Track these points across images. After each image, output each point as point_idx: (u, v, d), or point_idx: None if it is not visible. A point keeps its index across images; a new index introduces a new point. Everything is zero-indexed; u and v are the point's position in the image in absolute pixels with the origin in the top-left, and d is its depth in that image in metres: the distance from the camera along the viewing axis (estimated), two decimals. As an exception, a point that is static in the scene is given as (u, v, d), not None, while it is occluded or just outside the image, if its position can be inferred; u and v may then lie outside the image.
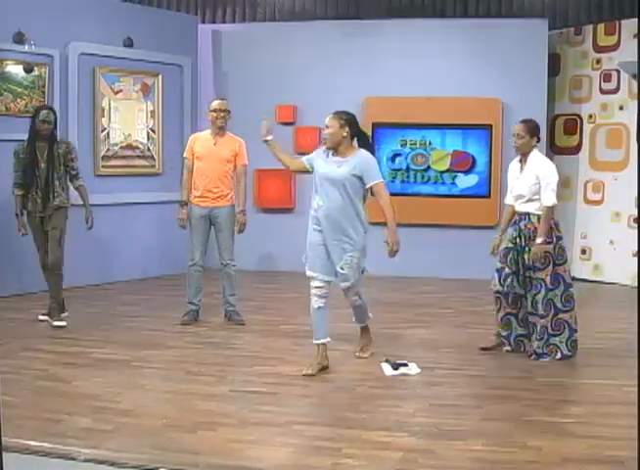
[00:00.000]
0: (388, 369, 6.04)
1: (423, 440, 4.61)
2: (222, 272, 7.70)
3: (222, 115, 7.65)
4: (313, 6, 11.52)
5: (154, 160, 10.13)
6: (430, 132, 10.35)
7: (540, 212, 6.33)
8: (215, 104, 7.72)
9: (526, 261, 6.41)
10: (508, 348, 6.67)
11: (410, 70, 10.33)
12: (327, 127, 5.99)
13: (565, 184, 10.59)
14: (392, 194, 10.39)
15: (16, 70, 8.71)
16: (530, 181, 6.36)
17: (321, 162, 6.01)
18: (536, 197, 6.36)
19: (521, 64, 10.18)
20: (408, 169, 10.47)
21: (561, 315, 6.42)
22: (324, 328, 6.05)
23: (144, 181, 10.01)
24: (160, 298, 8.96)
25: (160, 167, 10.15)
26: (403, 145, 10.46)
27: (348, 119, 6.00)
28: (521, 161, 6.60)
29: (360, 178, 5.88)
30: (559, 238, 6.44)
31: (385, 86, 10.36)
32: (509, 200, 6.77)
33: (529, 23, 10.28)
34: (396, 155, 10.49)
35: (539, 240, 6.28)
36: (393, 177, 10.50)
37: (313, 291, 5.96)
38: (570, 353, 6.45)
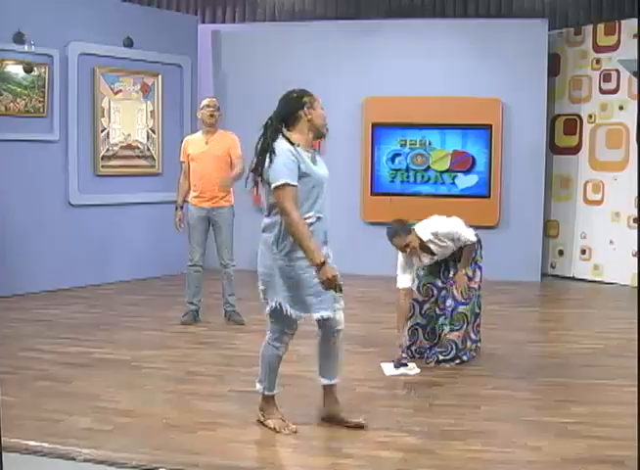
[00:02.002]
0: (388, 369, 6.04)
1: (422, 440, 4.61)
2: (222, 273, 7.69)
3: (212, 111, 7.60)
4: (313, 6, 11.52)
5: (153, 160, 10.12)
6: (429, 132, 10.34)
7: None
8: (205, 102, 7.70)
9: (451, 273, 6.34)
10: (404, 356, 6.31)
11: (410, 71, 10.33)
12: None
13: (564, 184, 10.61)
14: (393, 194, 10.57)
15: (15, 70, 8.71)
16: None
17: (308, 161, 4.48)
18: None
19: (520, 64, 10.18)
20: (408, 169, 10.46)
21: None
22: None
23: (144, 181, 10.01)
24: (160, 298, 8.96)
25: (160, 167, 10.15)
26: (403, 145, 10.45)
27: None
28: None
29: None
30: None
31: (384, 86, 10.36)
32: (404, 283, 6.26)
33: (529, 24, 10.27)
34: (396, 155, 10.48)
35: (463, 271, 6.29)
36: (393, 177, 10.49)
37: (285, 338, 4.68)
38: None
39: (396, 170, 10.49)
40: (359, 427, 4.71)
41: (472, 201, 10.20)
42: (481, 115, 10.15)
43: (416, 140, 10.42)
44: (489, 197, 10.24)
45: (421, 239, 6.07)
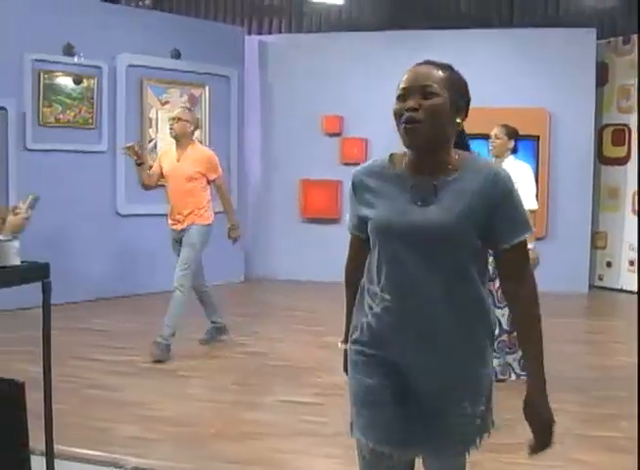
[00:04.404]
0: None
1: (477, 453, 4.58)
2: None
3: (171, 124, 6.90)
4: (358, 16, 11.53)
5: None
6: (477, 143, 10.23)
7: None
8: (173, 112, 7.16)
9: (491, 274, 6.10)
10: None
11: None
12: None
13: (612, 195, 10.50)
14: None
15: (65, 81, 8.85)
16: None
17: (377, 194, 2.52)
18: None
19: (568, 73, 10.11)
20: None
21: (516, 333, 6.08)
22: None
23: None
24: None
25: (207, 178, 10.21)
26: (449, 155, 10.38)
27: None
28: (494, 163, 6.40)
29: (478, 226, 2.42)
30: None
31: (430, 97, 10.32)
32: None
33: (577, 33, 10.20)
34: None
35: (531, 245, 6.19)
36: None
37: None
38: (523, 373, 6.05)
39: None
40: None
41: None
42: (529, 125, 10.03)
43: (462, 151, 10.37)
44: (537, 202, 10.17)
45: (507, 149, 6.50)
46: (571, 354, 7.05)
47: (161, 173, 7.02)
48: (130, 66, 9.40)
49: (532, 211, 6.29)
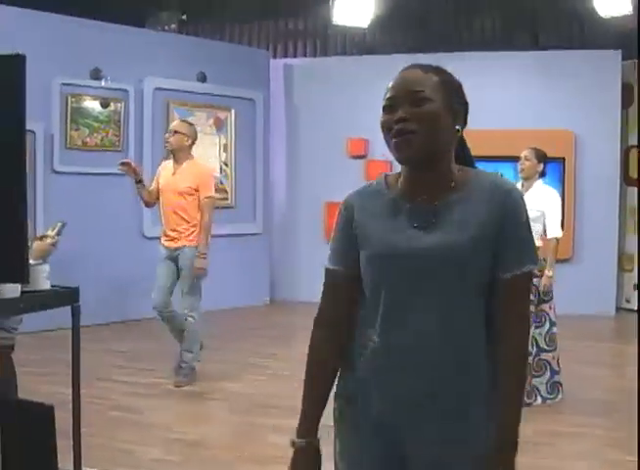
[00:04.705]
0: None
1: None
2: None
3: (167, 137, 6.76)
4: (384, 39, 11.56)
5: (226, 193, 10.22)
6: (502, 165, 10.22)
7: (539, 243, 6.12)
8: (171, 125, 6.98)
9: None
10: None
11: (481, 103, 10.17)
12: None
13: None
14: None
15: (92, 105, 8.95)
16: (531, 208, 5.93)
17: (372, 214, 2.22)
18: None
19: (593, 95, 10.07)
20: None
21: (543, 355, 6.06)
22: None
23: (216, 214, 9.99)
24: (233, 329, 8.99)
25: (233, 200, 10.24)
26: (475, 178, 10.35)
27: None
28: (522, 185, 6.32)
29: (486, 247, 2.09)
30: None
31: (455, 119, 10.31)
32: None
33: (602, 55, 10.18)
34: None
35: (550, 273, 6.14)
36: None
37: None
38: (550, 396, 6.08)
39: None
40: None
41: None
42: (554, 147, 10.00)
43: (488, 173, 10.33)
44: (562, 230, 10.11)
45: (536, 171, 6.27)
46: (596, 377, 6.99)
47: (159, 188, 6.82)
48: (157, 89, 9.49)
49: (557, 240, 6.26)
